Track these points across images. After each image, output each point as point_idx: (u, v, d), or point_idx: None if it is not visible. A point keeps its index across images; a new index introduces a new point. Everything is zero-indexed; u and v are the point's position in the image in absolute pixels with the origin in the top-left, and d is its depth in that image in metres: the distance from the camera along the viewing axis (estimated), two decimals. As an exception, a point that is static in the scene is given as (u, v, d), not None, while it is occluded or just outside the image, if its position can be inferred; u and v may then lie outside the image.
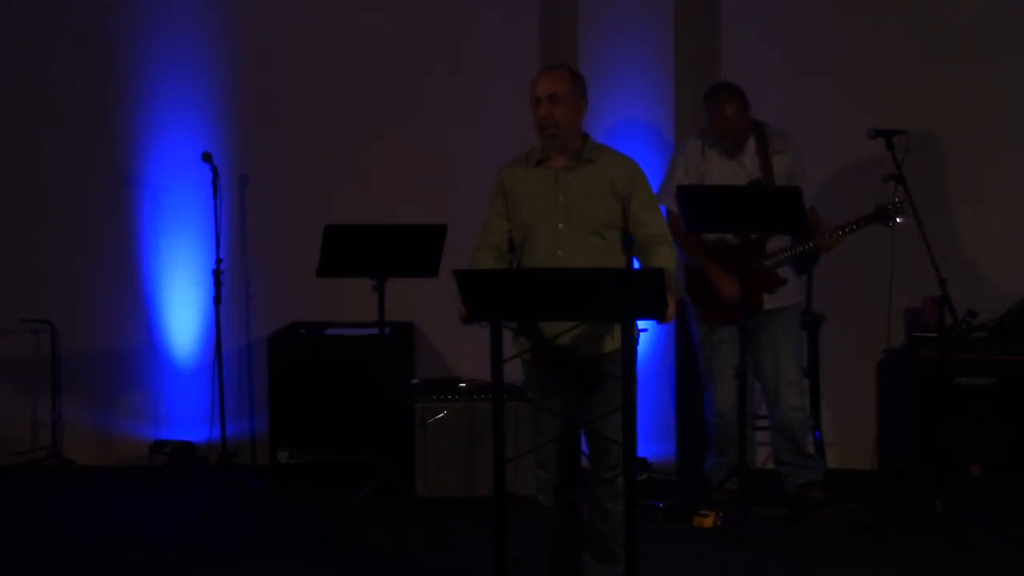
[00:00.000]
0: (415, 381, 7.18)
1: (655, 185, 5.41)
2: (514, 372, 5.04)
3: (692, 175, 6.65)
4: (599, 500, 5.05)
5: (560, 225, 4.97)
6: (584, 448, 5.11)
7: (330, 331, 7.33)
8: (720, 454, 6.79)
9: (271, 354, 7.23)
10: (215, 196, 7.34)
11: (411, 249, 6.44)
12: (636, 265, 5.09)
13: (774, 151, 6.61)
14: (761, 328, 6.67)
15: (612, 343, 4.94)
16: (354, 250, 6.47)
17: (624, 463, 4.64)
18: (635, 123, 7.29)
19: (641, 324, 4.85)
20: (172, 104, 7.65)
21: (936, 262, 6.04)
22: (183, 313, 7.72)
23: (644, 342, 6.99)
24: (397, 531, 6.37)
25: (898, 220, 6.43)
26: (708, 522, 6.33)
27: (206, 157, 7.35)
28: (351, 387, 7.10)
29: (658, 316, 4.56)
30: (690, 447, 7.48)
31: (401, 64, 7.57)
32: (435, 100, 7.55)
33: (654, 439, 7.30)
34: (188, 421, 7.67)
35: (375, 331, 6.62)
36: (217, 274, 7.34)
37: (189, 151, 7.52)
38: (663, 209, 6.04)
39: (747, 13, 7.40)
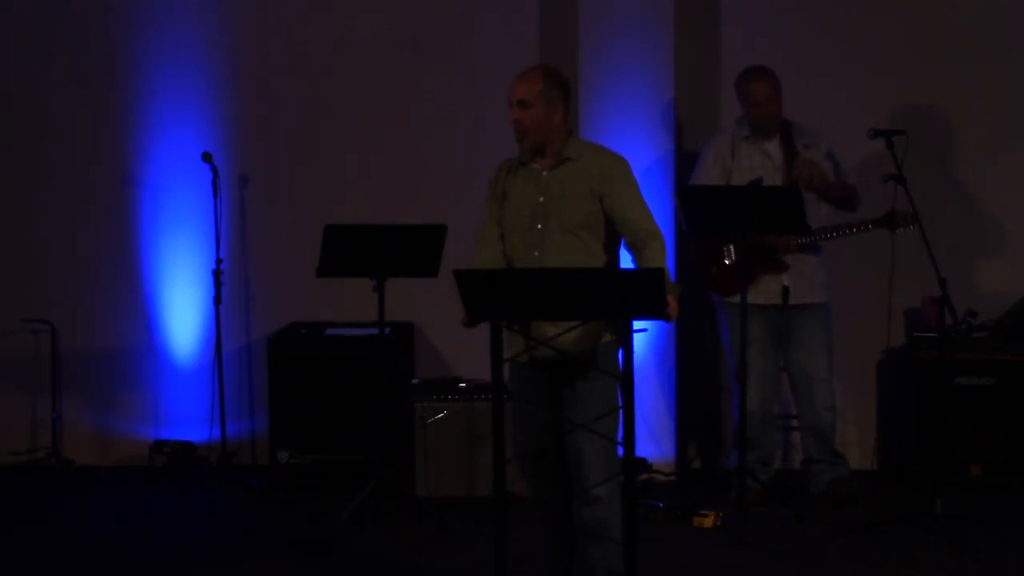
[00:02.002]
0: (415, 381, 7.18)
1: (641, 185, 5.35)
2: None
3: (721, 167, 6.65)
4: (576, 507, 5.01)
5: (539, 226, 4.95)
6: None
7: (330, 331, 7.33)
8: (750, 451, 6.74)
9: (271, 354, 7.23)
10: (215, 196, 7.34)
11: (411, 249, 6.44)
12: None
13: (803, 146, 6.62)
14: (792, 325, 6.67)
15: (597, 340, 4.92)
16: (354, 250, 6.47)
17: (624, 463, 4.63)
18: (635, 123, 7.28)
19: (640, 324, 4.82)
20: (172, 104, 7.64)
21: (936, 262, 6.05)
22: (183, 313, 7.72)
23: (643, 342, 7.03)
24: (397, 531, 6.37)
25: (905, 230, 6.43)
26: (708, 522, 6.33)
27: (206, 157, 7.35)
28: (351, 387, 7.10)
29: (658, 316, 4.54)
30: (689, 447, 7.50)
31: (401, 64, 7.57)
32: (435, 100, 7.55)
33: (654, 439, 7.29)
34: (188, 421, 7.67)
35: (375, 331, 6.62)
36: (217, 274, 7.34)
37: (189, 151, 7.52)
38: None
39: (747, 13, 7.40)
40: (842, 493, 6.64)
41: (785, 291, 6.61)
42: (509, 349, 4.94)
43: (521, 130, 4.97)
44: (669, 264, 7.12)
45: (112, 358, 7.75)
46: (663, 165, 7.28)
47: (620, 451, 4.77)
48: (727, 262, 6.60)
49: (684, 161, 7.23)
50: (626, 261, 5.08)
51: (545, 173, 4.98)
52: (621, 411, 4.63)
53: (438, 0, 7.57)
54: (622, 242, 5.03)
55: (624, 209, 4.93)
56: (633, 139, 7.26)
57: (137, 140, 7.68)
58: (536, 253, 4.93)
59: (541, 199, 4.95)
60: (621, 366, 4.66)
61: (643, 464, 7.06)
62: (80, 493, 7.23)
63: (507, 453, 4.68)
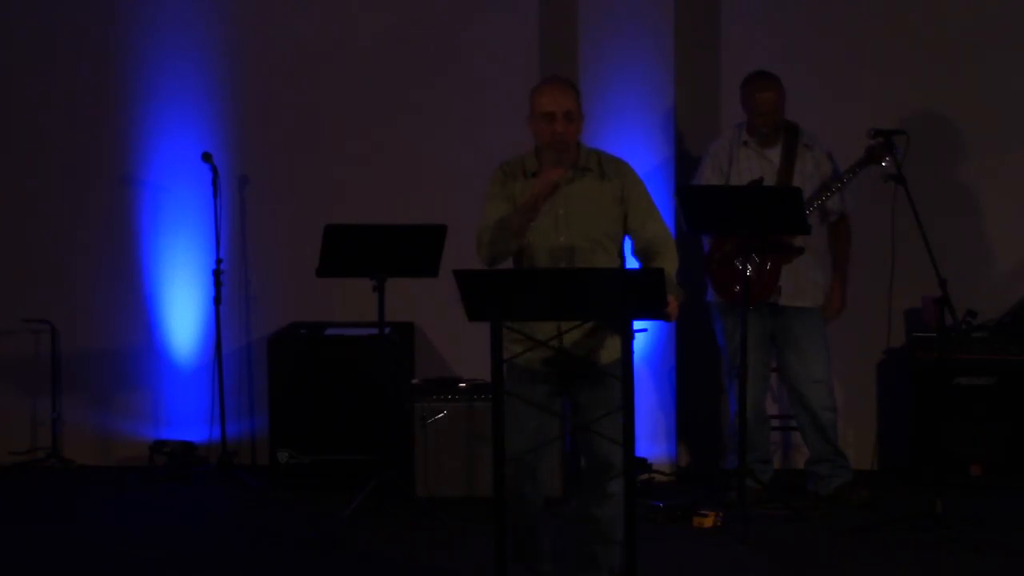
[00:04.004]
0: (415, 381, 7.18)
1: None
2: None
3: (719, 173, 6.65)
4: (586, 505, 5.00)
5: (561, 239, 4.92)
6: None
7: (330, 331, 7.33)
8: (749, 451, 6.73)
9: (271, 354, 7.23)
10: (215, 196, 7.34)
11: (411, 249, 6.44)
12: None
13: (804, 145, 6.63)
14: (786, 326, 6.67)
15: (609, 350, 4.92)
16: (354, 250, 6.47)
17: (624, 463, 4.63)
18: (635, 124, 7.29)
19: (640, 324, 4.83)
20: (172, 104, 7.64)
21: (936, 262, 6.05)
22: (183, 313, 7.72)
23: (643, 342, 7.03)
24: (397, 531, 6.37)
25: (887, 160, 6.43)
26: (708, 522, 6.33)
27: (206, 157, 7.35)
28: (351, 387, 7.10)
29: (658, 316, 4.54)
30: (690, 447, 7.49)
31: (401, 63, 7.56)
32: (435, 100, 7.55)
33: (654, 439, 7.29)
34: (188, 421, 7.67)
35: (375, 331, 6.62)
36: (217, 274, 7.34)
37: (189, 151, 7.52)
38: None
39: (747, 12, 7.40)
40: (851, 499, 6.65)
41: (779, 290, 6.61)
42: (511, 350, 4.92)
43: (565, 143, 4.90)
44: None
45: (112, 358, 7.74)
46: (663, 165, 7.28)
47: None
48: (747, 272, 6.57)
49: (684, 162, 7.23)
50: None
51: (564, 186, 4.88)
52: (620, 410, 4.63)
53: (438, 0, 7.57)
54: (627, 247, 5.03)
55: (643, 216, 4.96)
56: (633, 140, 7.26)
57: (137, 140, 7.68)
58: (563, 264, 4.88)
59: (562, 211, 4.91)
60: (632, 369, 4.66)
61: (643, 464, 7.06)
62: (80, 493, 7.23)
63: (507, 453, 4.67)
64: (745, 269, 6.48)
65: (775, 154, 6.64)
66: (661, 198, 7.10)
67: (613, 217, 4.93)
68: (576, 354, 4.88)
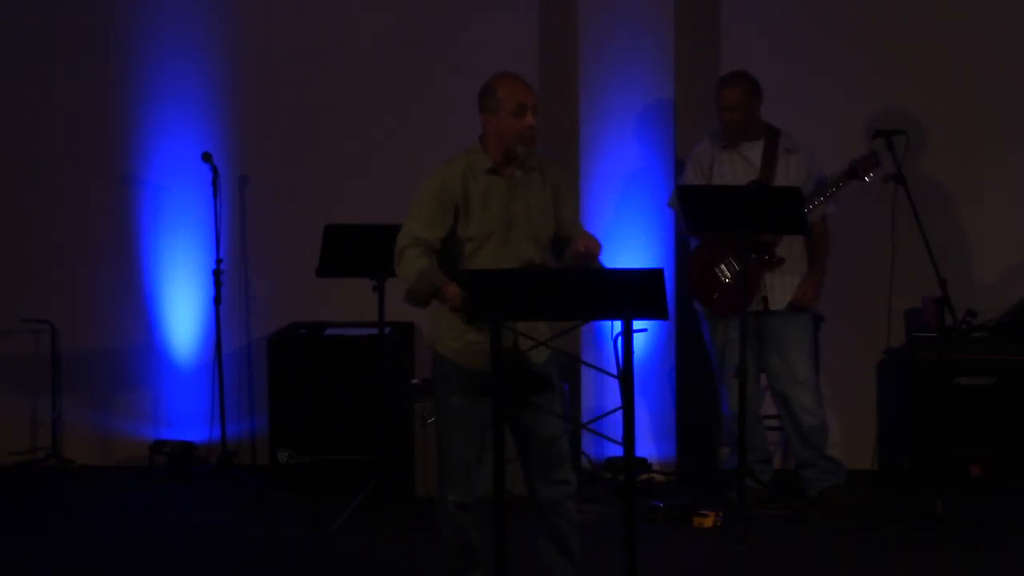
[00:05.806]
0: (415, 381, 7.18)
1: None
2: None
3: (701, 176, 6.66)
4: (557, 501, 4.99)
5: (514, 236, 4.87)
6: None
7: (330, 331, 7.33)
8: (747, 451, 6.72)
9: (271, 354, 7.23)
10: (215, 196, 7.34)
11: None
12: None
13: (785, 149, 6.62)
14: (771, 330, 6.67)
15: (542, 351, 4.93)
16: (354, 250, 6.47)
17: (625, 463, 4.63)
18: (634, 123, 7.28)
19: (641, 324, 4.82)
20: (172, 104, 7.64)
21: (936, 262, 6.05)
22: (183, 313, 7.72)
23: (643, 342, 7.03)
24: (397, 531, 6.37)
25: (870, 176, 6.44)
26: (708, 522, 6.33)
27: (206, 157, 7.35)
28: (351, 387, 7.10)
29: (658, 315, 4.54)
30: (690, 447, 7.49)
31: (401, 64, 7.57)
32: (435, 100, 7.55)
33: (654, 439, 7.29)
34: (188, 421, 7.67)
35: (375, 331, 6.62)
36: (217, 274, 7.34)
37: (189, 151, 7.52)
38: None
39: (747, 12, 7.40)
40: (833, 503, 6.60)
41: (764, 300, 6.63)
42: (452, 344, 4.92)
43: (533, 137, 4.90)
44: (670, 266, 7.19)
45: (112, 358, 7.75)
46: (663, 165, 7.28)
47: (620, 451, 4.77)
48: (726, 281, 6.58)
49: (683, 162, 7.22)
50: None
51: (512, 182, 4.89)
52: (620, 410, 4.63)
53: (438, 0, 7.57)
54: None
55: (572, 215, 4.98)
56: (633, 139, 7.26)
57: (137, 140, 7.68)
58: (516, 266, 4.85)
59: (514, 209, 4.89)
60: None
61: (643, 464, 7.06)
62: (80, 493, 7.23)
63: (507, 453, 4.65)
64: (723, 277, 6.51)
65: (756, 157, 6.64)
66: (661, 198, 7.11)
67: (552, 217, 4.94)
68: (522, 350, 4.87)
